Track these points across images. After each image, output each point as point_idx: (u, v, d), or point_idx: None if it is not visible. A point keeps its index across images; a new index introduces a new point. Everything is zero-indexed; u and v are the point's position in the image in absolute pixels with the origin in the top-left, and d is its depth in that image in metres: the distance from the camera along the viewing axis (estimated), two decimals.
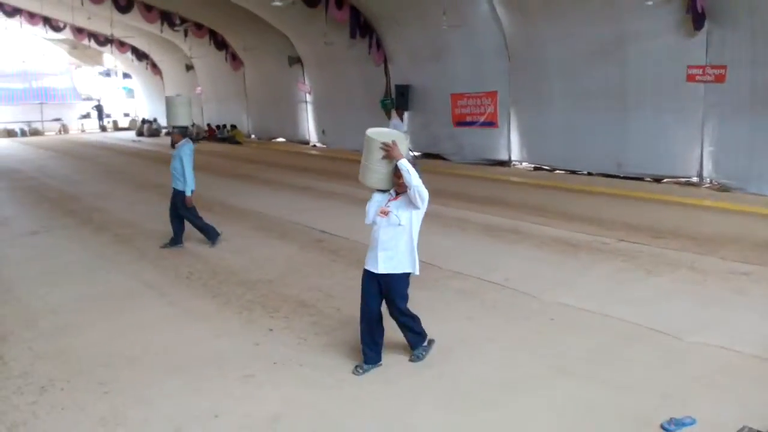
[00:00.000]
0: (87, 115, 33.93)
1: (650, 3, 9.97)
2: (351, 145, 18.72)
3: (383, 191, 4.10)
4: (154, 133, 28.01)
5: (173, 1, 20.21)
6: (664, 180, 11.25)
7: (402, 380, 4.02)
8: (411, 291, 5.64)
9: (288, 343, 4.63)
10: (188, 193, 7.34)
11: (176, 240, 7.56)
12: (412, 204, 3.97)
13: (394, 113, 13.70)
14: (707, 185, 10.60)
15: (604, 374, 4.04)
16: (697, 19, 10.11)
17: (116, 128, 33.02)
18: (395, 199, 4.05)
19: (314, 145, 21.03)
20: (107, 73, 41.44)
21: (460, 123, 15.14)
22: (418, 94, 16.18)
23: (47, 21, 24.92)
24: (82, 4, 18.79)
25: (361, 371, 4.09)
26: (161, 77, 30.74)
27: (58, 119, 32.36)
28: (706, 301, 5.34)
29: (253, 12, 18.39)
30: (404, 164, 3.87)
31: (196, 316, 5.29)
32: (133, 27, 23.99)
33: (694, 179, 10.80)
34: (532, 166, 13.72)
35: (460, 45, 14.50)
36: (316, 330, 4.86)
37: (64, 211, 10.20)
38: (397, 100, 16.46)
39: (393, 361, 4.26)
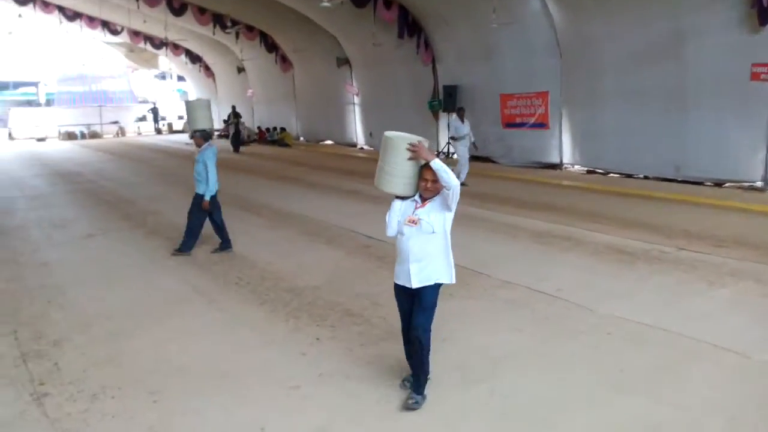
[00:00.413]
0: (143, 118, 35.00)
1: None
2: None
3: (404, 198, 3.77)
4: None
5: (225, 4, 20.61)
6: (726, 184, 10.72)
7: (451, 396, 3.90)
8: (459, 301, 5.59)
9: (334, 353, 4.58)
10: (207, 198, 7.35)
11: (225, 244, 7.64)
12: (443, 207, 3.68)
13: (454, 115, 12.68)
14: None
15: (667, 393, 3.83)
16: (763, 14, 9.60)
17: (171, 131, 33.93)
18: (422, 205, 3.72)
19: (361, 148, 21.06)
20: (162, 76, 42.79)
21: (510, 124, 14.87)
22: (467, 95, 15.96)
23: (105, 25, 25.85)
24: (138, 7, 19.37)
25: (408, 384, 3.98)
26: (214, 80, 31.42)
27: (115, 122, 33.50)
28: None
29: (303, 13, 18.55)
30: (439, 164, 3.55)
31: (244, 323, 5.30)
32: (186, 30, 24.61)
33: (759, 184, 10.25)
34: (585, 169, 13.33)
35: (510, 43, 14.23)
36: (362, 341, 4.79)
37: (120, 214, 10.49)
38: (445, 101, 16.30)
39: (441, 375, 4.14)
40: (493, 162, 15.34)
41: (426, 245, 3.71)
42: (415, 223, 3.69)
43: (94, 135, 31.93)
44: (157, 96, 40.58)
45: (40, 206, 11.39)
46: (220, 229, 7.64)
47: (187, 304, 5.83)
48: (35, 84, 38.53)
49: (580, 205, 9.75)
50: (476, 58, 15.40)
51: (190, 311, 5.62)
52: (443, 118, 16.82)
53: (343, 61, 20.61)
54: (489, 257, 6.98)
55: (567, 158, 13.77)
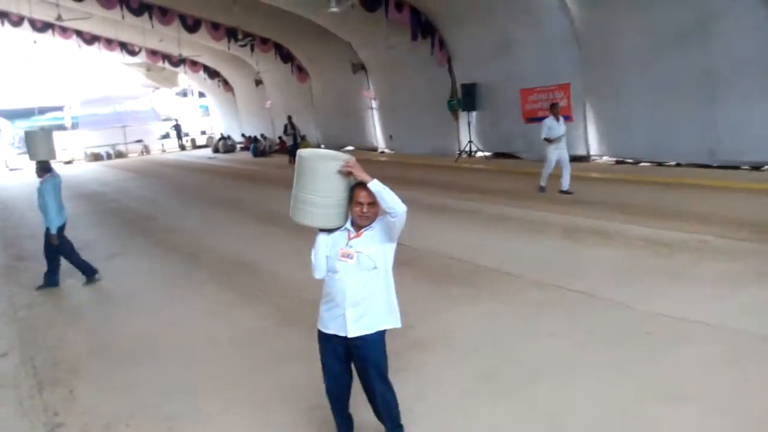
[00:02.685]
0: (166, 135, 35.40)
1: None
2: (419, 149, 18.42)
3: (330, 230, 3.11)
4: (230, 149, 28.79)
5: (237, 17, 20.57)
6: (765, 167, 10.20)
7: (482, 411, 3.63)
8: (486, 305, 5.31)
9: None
10: (52, 231, 6.92)
11: (89, 275, 7.29)
12: (385, 237, 3.05)
13: (550, 115, 10.30)
14: None
15: (721, 399, 3.49)
16: None
17: (194, 146, 34.21)
18: (358, 235, 3.07)
19: (382, 152, 20.84)
20: (184, 93, 43.18)
21: (532, 119, 14.47)
22: (486, 92, 15.65)
23: (123, 46, 26.13)
24: (153, 26, 19.48)
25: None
26: (233, 93, 31.57)
27: (140, 141, 33.91)
28: None
29: (315, 21, 18.44)
30: (379, 185, 2.93)
31: (263, 341, 5.09)
32: (202, 45, 24.72)
33: None
34: (614, 159, 12.88)
35: (526, 38, 13.86)
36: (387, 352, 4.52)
37: (141, 232, 10.43)
38: (464, 100, 16.01)
39: (470, 388, 3.88)
40: (517, 158, 14.97)
41: (367, 284, 3.05)
42: (351, 258, 3.03)
43: (119, 155, 32.33)
44: (179, 113, 41.00)
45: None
46: (72, 262, 7.29)
47: (205, 323, 5.65)
48: (61, 108, 39.17)
49: (611, 197, 9.36)
50: (493, 55, 15.06)
51: (207, 329, 5.44)
52: (463, 117, 16.52)
53: (359, 67, 20.43)
54: (516, 256, 6.68)
55: (594, 149, 13.32)
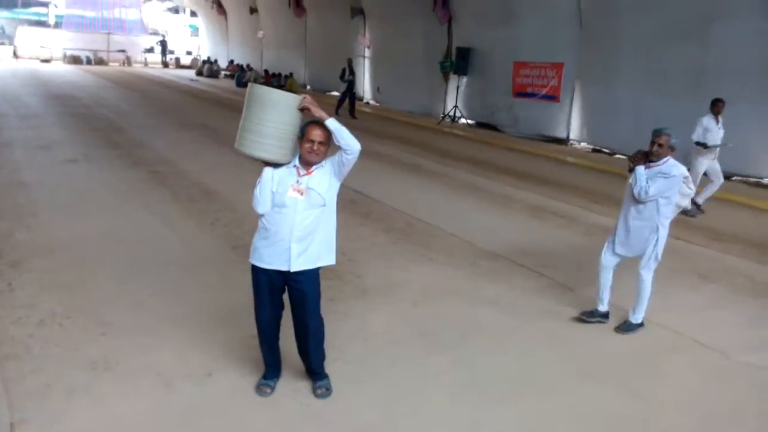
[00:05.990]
0: (151, 50, 34.35)
1: None
2: (404, 106, 18.24)
3: (276, 165, 3.10)
4: (213, 74, 28.10)
5: None
6: (733, 178, 10.39)
7: (411, 362, 3.73)
8: (438, 266, 5.39)
9: None
10: None
11: None
12: (335, 175, 3.13)
13: (708, 113, 7.97)
14: None
15: (637, 385, 3.66)
16: None
17: (178, 65, 33.31)
18: (309, 173, 3.10)
19: (367, 102, 20.59)
20: (176, 10, 41.78)
21: (520, 94, 14.43)
22: (479, 59, 15.48)
23: None
24: None
25: (269, 391, 3.35)
26: (225, 18, 30.64)
27: (123, 51, 32.87)
28: (763, 318, 4.82)
29: None
30: (336, 123, 3.00)
31: (213, 266, 5.10)
32: None
33: (766, 181, 9.94)
34: (591, 147, 12.97)
35: (530, 9, 13.67)
36: (331, 295, 4.58)
37: (107, 141, 10.22)
38: (457, 64, 15.83)
39: (405, 341, 3.97)
40: (499, 131, 14.97)
41: (314, 220, 3.11)
42: (302, 194, 3.07)
43: (100, 62, 31.36)
44: (167, 29, 39.72)
45: (29, 126, 11.12)
46: None
47: (156, 240, 5.64)
48: (46, 4, 37.53)
49: (581, 183, 9.46)
50: (494, 22, 14.84)
51: (157, 248, 5.42)
52: (453, 81, 16.36)
53: (358, 11, 19.96)
54: (479, 226, 6.75)
55: (574, 134, 13.39)
